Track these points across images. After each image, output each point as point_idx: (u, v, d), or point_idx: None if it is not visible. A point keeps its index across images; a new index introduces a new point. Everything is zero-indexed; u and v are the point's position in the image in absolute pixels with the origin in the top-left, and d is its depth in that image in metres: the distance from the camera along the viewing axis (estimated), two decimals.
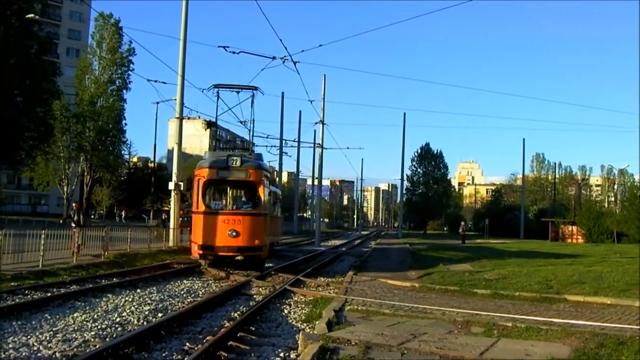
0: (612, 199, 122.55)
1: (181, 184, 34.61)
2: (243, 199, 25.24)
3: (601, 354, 9.84)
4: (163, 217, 47.90)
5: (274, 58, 26.05)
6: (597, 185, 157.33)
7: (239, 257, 23.43)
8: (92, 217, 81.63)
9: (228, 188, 25.74)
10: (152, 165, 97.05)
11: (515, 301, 16.25)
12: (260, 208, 23.05)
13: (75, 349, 10.18)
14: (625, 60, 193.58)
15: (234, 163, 22.53)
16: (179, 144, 35.71)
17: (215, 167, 22.62)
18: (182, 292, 17.90)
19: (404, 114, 54.72)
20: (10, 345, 10.24)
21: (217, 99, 24.97)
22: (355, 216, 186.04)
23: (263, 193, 23.04)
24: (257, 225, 22.76)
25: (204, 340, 11.03)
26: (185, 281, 20.80)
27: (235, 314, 14.24)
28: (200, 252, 22.62)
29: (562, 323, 12.63)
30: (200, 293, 18.00)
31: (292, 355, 10.22)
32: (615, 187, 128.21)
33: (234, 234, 21.91)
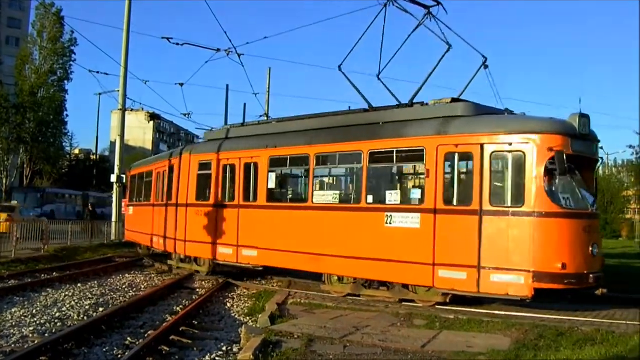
0: None
1: (123, 176, 34.02)
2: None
3: (540, 345, 10.10)
4: (89, 208, 43.74)
5: (218, 50, 25.70)
6: None
7: None
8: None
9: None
10: (95, 157, 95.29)
11: None
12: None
13: (13, 345, 9.98)
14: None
15: (584, 128, 13.03)
16: (122, 136, 35.23)
17: (568, 133, 12.74)
18: (124, 287, 17.68)
19: (349, 107, 54.90)
20: None
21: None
22: None
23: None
24: None
25: (146, 335, 10.93)
26: (127, 275, 20.55)
27: (178, 308, 14.13)
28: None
29: (504, 315, 12.88)
30: (143, 287, 17.83)
31: (235, 349, 10.19)
32: None
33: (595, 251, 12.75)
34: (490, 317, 12.54)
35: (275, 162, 17.35)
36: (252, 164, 17.96)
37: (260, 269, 18.18)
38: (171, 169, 22.19)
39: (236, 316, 13.54)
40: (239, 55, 25.46)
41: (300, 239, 16.17)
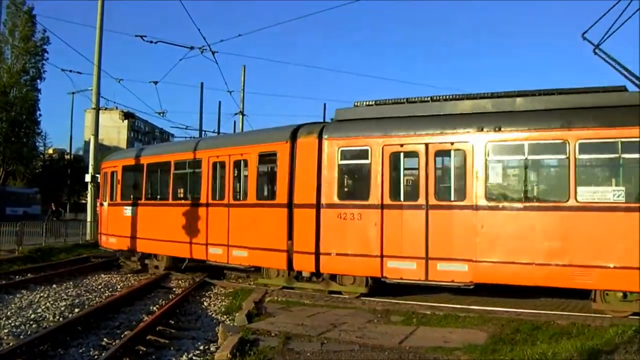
0: None
1: (97, 176, 33.75)
2: None
3: (517, 338, 10.24)
4: (52, 207, 40.62)
5: (192, 48, 25.68)
6: None
7: None
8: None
9: None
10: (69, 157, 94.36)
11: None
12: None
13: None
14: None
15: None
16: (96, 135, 34.90)
17: None
18: (100, 287, 17.56)
19: (324, 104, 54.83)
20: None
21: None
22: None
23: None
24: None
25: (122, 335, 10.91)
26: (103, 275, 20.41)
27: (155, 308, 14.09)
28: None
29: (480, 310, 13.01)
30: (119, 287, 17.73)
31: (212, 348, 10.21)
32: None
33: None
34: (467, 312, 12.69)
35: (500, 150, 13.77)
36: (452, 152, 14.37)
37: None
38: (267, 158, 17.23)
39: (213, 315, 13.54)
40: (213, 53, 25.49)
41: None
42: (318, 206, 15.34)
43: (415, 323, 11.89)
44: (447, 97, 15.28)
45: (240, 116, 49.41)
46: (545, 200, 13.50)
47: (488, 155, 13.63)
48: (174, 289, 17.42)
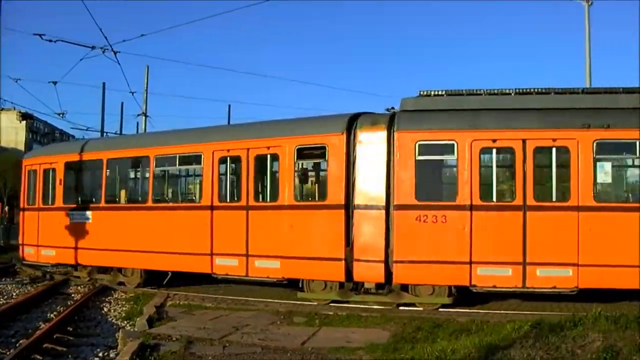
0: None
1: None
2: None
3: (418, 337, 10.51)
4: None
5: (93, 47, 25.06)
6: None
7: None
8: None
9: None
10: None
11: None
12: None
13: None
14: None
15: None
16: None
17: None
18: None
19: (229, 106, 54.65)
20: None
21: None
22: None
23: None
24: None
25: (17, 344, 10.58)
26: None
27: (52, 315, 13.71)
28: None
29: (382, 309, 13.33)
30: (15, 294, 17.10)
31: (112, 354, 10.03)
32: None
33: None
34: (369, 312, 12.95)
35: (607, 147, 13.01)
36: (553, 149, 13.30)
37: None
38: (309, 152, 15.15)
39: (113, 320, 13.27)
40: (115, 53, 24.97)
41: None
42: (388, 207, 13.76)
43: (318, 324, 12.04)
44: (541, 90, 14.18)
45: (143, 117, 48.48)
46: None
47: (594, 154, 12.87)
48: (72, 295, 16.94)
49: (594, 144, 12.78)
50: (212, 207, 15.83)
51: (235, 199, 15.91)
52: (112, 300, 15.91)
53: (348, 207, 14.02)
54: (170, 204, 17.76)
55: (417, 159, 13.60)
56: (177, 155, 16.69)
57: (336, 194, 14.12)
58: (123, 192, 19.03)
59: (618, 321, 9.69)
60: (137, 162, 18.52)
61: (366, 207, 13.91)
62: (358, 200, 13.93)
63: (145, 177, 18.19)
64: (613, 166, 13.20)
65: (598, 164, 12.86)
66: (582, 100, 13.57)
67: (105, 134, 44.68)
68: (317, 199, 15.33)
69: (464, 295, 13.56)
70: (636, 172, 13.78)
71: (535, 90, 14.04)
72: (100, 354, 10.12)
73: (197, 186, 17.25)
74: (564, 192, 13.12)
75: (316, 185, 16.19)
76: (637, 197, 13.29)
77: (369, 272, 13.85)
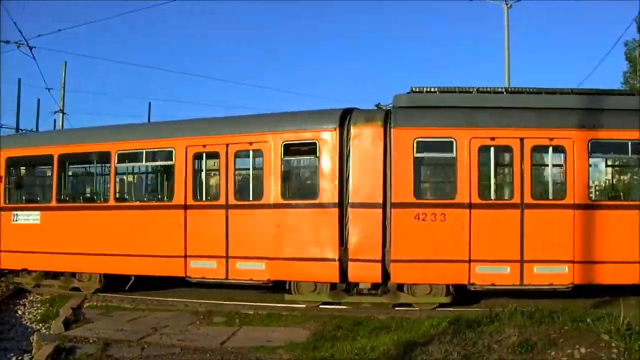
0: None
1: None
2: None
3: (338, 335, 10.69)
4: None
5: (7, 42, 24.45)
6: None
7: None
8: None
9: None
10: None
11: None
12: None
13: None
14: None
15: None
16: None
17: None
18: None
19: (149, 103, 53.92)
20: None
21: None
22: None
23: None
24: None
25: None
26: None
27: None
28: None
29: (303, 308, 13.44)
30: None
31: (26, 358, 9.87)
32: None
33: None
34: (290, 311, 13.02)
35: (601, 147, 13.34)
36: (550, 148, 13.33)
37: None
38: (297, 148, 14.57)
39: (28, 324, 12.96)
40: (31, 48, 24.40)
41: None
42: (385, 205, 13.36)
43: (238, 323, 12.09)
44: (533, 90, 14.11)
45: (61, 114, 47.34)
46: None
47: (589, 153, 13.01)
48: None
49: (589, 144, 12.96)
50: (185, 207, 14.89)
51: (213, 197, 15.39)
52: (27, 303, 15.42)
53: (342, 205, 13.62)
54: (137, 203, 16.76)
55: (415, 156, 13.39)
56: (144, 150, 15.65)
57: (329, 191, 13.66)
58: (78, 191, 18.25)
59: (533, 316, 9.86)
60: (96, 158, 16.92)
61: (362, 205, 13.51)
62: (353, 198, 13.54)
63: (105, 174, 16.91)
64: (607, 165, 13.87)
65: (593, 163, 13.24)
66: (577, 101, 13.71)
67: (19, 130, 43.41)
68: (307, 197, 14.48)
69: (461, 295, 13.50)
70: (629, 171, 14.33)
71: (527, 89, 14.09)
72: (14, 359, 9.94)
73: (168, 184, 16.33)
74: (560, 191, 13.38)
75: (305, 182, 15.51)
76: (630, 196, 13.76)
77: (364, 272, 13.48)
